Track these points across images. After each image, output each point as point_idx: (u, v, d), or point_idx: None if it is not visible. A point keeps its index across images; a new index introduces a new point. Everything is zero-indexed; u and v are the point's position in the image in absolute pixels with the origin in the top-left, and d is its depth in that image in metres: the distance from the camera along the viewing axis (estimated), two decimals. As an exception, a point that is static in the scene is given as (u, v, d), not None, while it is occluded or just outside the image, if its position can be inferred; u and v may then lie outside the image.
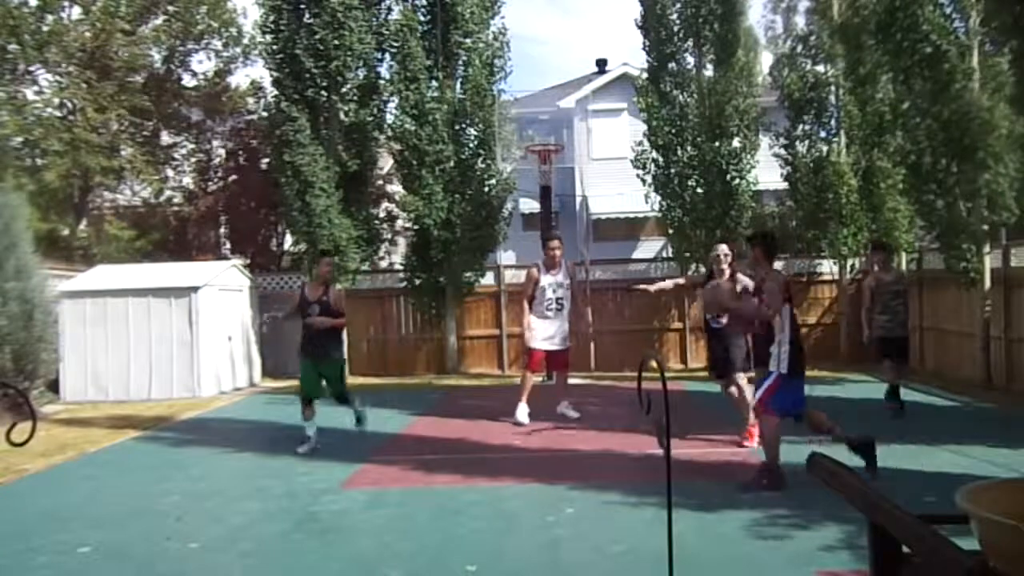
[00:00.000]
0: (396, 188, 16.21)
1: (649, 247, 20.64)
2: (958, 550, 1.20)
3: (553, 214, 14.13)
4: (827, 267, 14.47)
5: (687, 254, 14.05)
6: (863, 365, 13.24)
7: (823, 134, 14.10)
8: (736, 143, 13.72)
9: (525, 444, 7.64)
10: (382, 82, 14.30)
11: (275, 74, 13.91)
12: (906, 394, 10.33)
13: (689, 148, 13.75)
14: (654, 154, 13.90)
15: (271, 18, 13.72)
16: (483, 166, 14.02)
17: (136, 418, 9.71)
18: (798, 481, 4.98)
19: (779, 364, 5.78)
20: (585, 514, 5.26)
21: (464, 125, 13.90)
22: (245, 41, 18.30)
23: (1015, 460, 6.22)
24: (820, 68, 14.05)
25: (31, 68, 17.10)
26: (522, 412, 8.47)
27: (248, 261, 15.96)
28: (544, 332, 8.54)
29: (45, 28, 16.87)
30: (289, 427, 9.21)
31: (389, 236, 16.05)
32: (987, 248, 10.40)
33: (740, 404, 7.22)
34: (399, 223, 16.21)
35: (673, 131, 13.74)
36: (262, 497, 5.96)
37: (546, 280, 8.50)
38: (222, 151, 18.66)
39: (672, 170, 13.82)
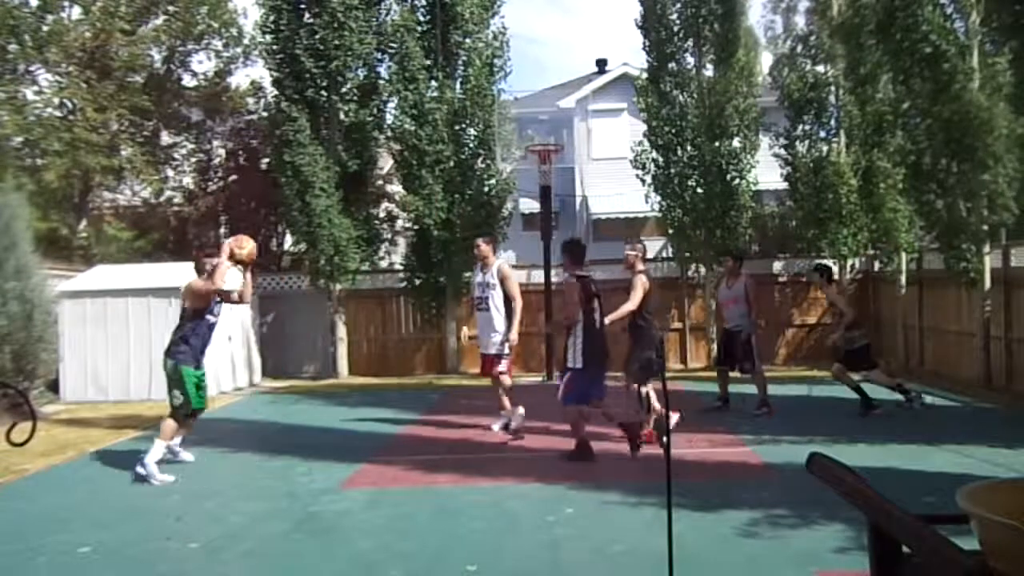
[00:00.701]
0: (396, 188, 16.20)
1: (649, 247, 20.58)
2: (958, 550, 1.20)
3: (553, 214, 14.12)
4: (827, 267, 14.47)
5: (687, 254, 14.07)
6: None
7: (823, 134, 14.11)
8: (736, 143, 13.73)
9: (525, 444, 7.64)
10: (382, 82, 14.31)
11: (275, 74, 13.92)
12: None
13: (689, 148, 13.76)
14: (654, 154, 13.91)
15: (271, 18, 13.73)
16: (483, 166, 14.03)
17: (136, 418, 9.70)
18: (798, 481, 4.98)
19: (574, 360, 6.56)
20: (585, 514, 5.26)
21: (464, 125, 13.90)
22: (245, 41, 18.29)
23: (1015, 460, 6.22)
24: (820, 68, 14.05)
25: (31, 68, 17.09)
26: (516, 419, 7.97)
27: (248, 261, 15.92)
28: (478, 332, 8.33)
29: (45, 28, 16.86)
30: (289, 427, 9.23)
31: (389, 236, 16.05)
32: (987, 248, 10.40)
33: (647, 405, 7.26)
34: (399, 223, 16.21)
35: (673, 131, 13.75)
36: (262, 497, 5.96)
37: (475, 279, 8.39)
38: (222, 151, 18.63)
39: (672, 170, 13.83)
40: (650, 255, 18.61)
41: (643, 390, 7.21)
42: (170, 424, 6.70)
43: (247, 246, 7.00)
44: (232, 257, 6.87)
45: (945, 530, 1.29)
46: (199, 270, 6.96)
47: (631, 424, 6.65)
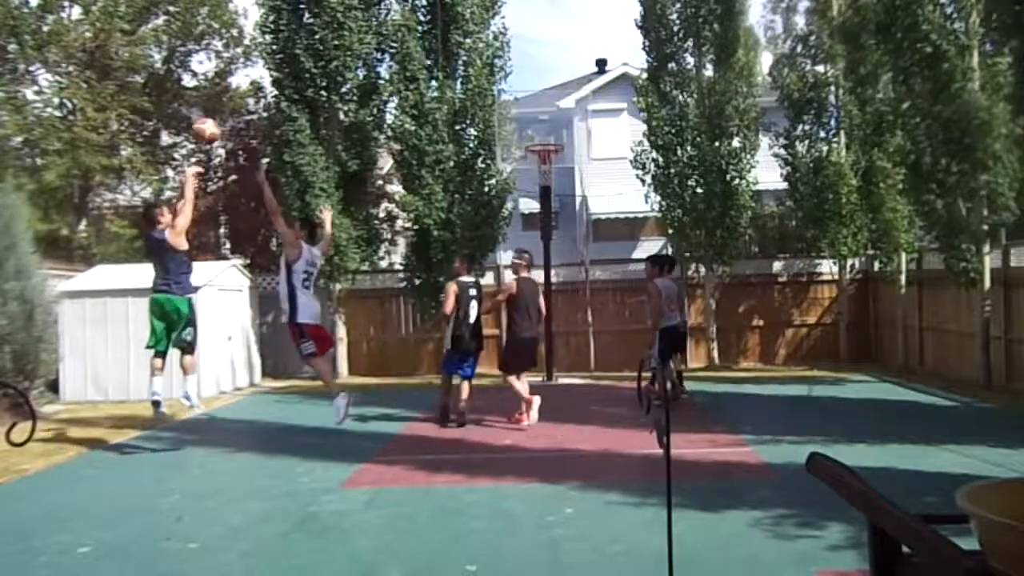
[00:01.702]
0: (396, 188, 16.20)
1: (649, 247, 20.62)
2: (958, 550, 1.20)
3: (553, 214, 14.12)
4: (827, 267, 14.48)
5: (687, 254, 14.06)
6: (863, 365, 13.26)
7: (823, 134, 14.12)
8: (736, 143, 13.73)
9: (525, 444, 7.64)
10: (382, 82, 14.30)
11: (275, 74, 13.92)
12: (905, 393, 10.39)
13: (689, 148, 13.76)
14: (654, 154, 13.91)
15: (271, 18, 13.72)
16: (483, 166, 14.02)
17: (136, 418, 9.70)
18: (798, 481, 4.99)
19: (446, 343, 8.69)
20: (585, 514, 5.25)
21: (464, 125, 13.89)
22: (246, 42, 18.29)
23: (1015, 460, 6.22)
24: (820, 68, 14.07)
25: (31, 68, 17.08)
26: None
27: (248, 261, 15.96)
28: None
29: (45, 28, 16.85)
30: (289, 427, 9.23)
31: (389, 236, 16.04)
32: (987, 248, 10.40)
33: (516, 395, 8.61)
34: (399, 223, 16.20)
35: (673, 131, 13.75)
36: (262, 497, 5.96)
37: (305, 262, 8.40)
38: (222, 151, 18.64)
39: (672, 170, 13.83)
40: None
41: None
42: (193, 359, 7.58)
43: (208, 127, 7.80)
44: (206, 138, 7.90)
45: (945, 530, 1.29)
46: (154, 222, 7.45)
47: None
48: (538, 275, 13.36)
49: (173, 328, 7.43)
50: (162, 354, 7.50)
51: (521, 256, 8.94)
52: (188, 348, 7.50)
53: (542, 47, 52.86)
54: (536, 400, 8.42)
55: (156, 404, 7.51)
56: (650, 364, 9.33)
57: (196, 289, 7.68)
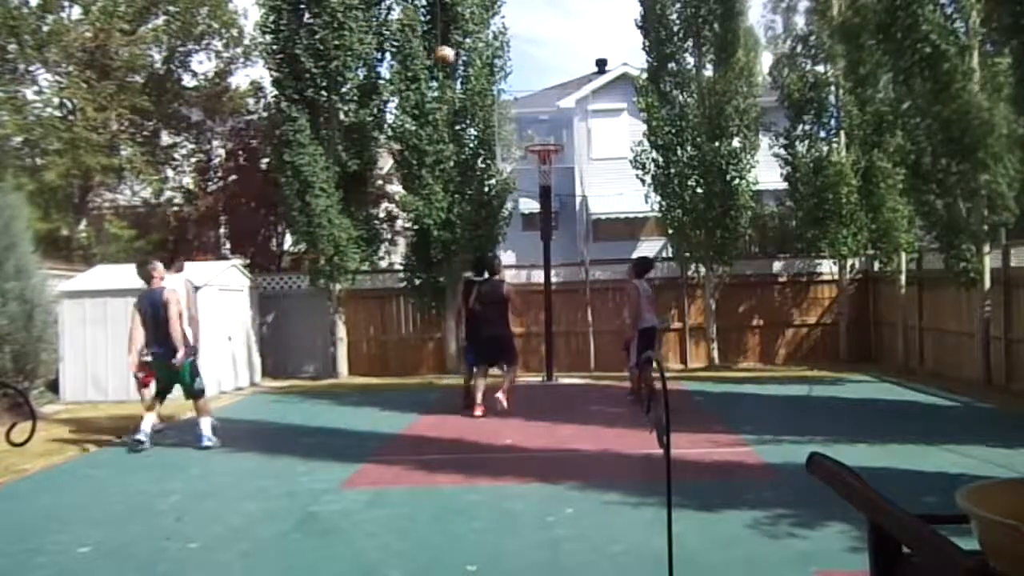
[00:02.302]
0: (396, 188, 16.20)
1: (649, 247, 20.61)
2: (958, 550, 1.20)
3: (553, 214, 14.13)
4: (827, 267, 14.48)
5: (687, 254, 14.06)
6: (862, 365, 13.26)
7: (823, 134, 14.11)
8: (736, 143, 13.73)
9: (525, 444, 7.64)
10: (382, 82, 14.30)
11: (275, 74, 13.92)
12: (905, 393, 10.40)
13: (689, 148, 13.76)
14: (654, 154, 13.91)
15: (271, 18, 13.72)
16: (483, 166, 14.02)
17: (136, 418, 9.65)
18: (798, 481, 4.99)
19: (461, 339, 10.05)
20: (585, 514, 5.26)
21: (464, 125, 13.90)
22: (246, 42, 18.28)
23: (1015, 460, 6.22)
24: (820, 68, 14.06)
25: (31, 68, 17.07)
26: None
27: (248, 261, 15.96)
28: None
29: (45, 28, 16.84)
30: (289, 427, 9.23)
31: (389, 236, 16.03)
32: (987, 248, 10.40)
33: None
34: (399, 223, 16.20)
35: (673, 131, 13.75)
36: (262, 497, 5.96)
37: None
38: (222, 151, 18.62)
39: (672, 170, 13.83)
40: (650, 255, 18.67)
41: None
42: (206, 402, 7.98)
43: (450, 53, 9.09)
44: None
45: (945, 530, 1.29)
46: (149, 278, 7.98)
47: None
48: (538, 275, 13.46)
49: (176, 381, 7.83)
50: (161, 396, 7.92)
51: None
52: (200, 395, 7.91)
53: (542, 47, 52.85)
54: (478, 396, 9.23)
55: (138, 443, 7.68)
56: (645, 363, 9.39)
57: (195, 350, 8.01)
